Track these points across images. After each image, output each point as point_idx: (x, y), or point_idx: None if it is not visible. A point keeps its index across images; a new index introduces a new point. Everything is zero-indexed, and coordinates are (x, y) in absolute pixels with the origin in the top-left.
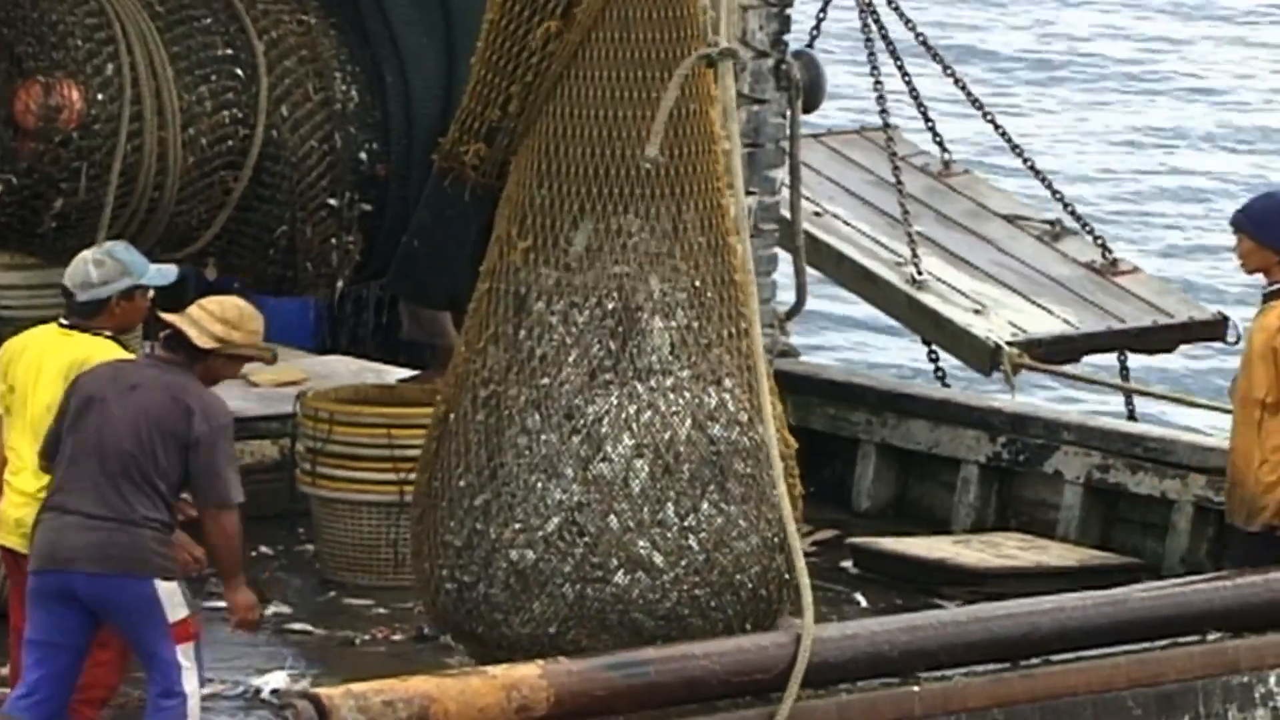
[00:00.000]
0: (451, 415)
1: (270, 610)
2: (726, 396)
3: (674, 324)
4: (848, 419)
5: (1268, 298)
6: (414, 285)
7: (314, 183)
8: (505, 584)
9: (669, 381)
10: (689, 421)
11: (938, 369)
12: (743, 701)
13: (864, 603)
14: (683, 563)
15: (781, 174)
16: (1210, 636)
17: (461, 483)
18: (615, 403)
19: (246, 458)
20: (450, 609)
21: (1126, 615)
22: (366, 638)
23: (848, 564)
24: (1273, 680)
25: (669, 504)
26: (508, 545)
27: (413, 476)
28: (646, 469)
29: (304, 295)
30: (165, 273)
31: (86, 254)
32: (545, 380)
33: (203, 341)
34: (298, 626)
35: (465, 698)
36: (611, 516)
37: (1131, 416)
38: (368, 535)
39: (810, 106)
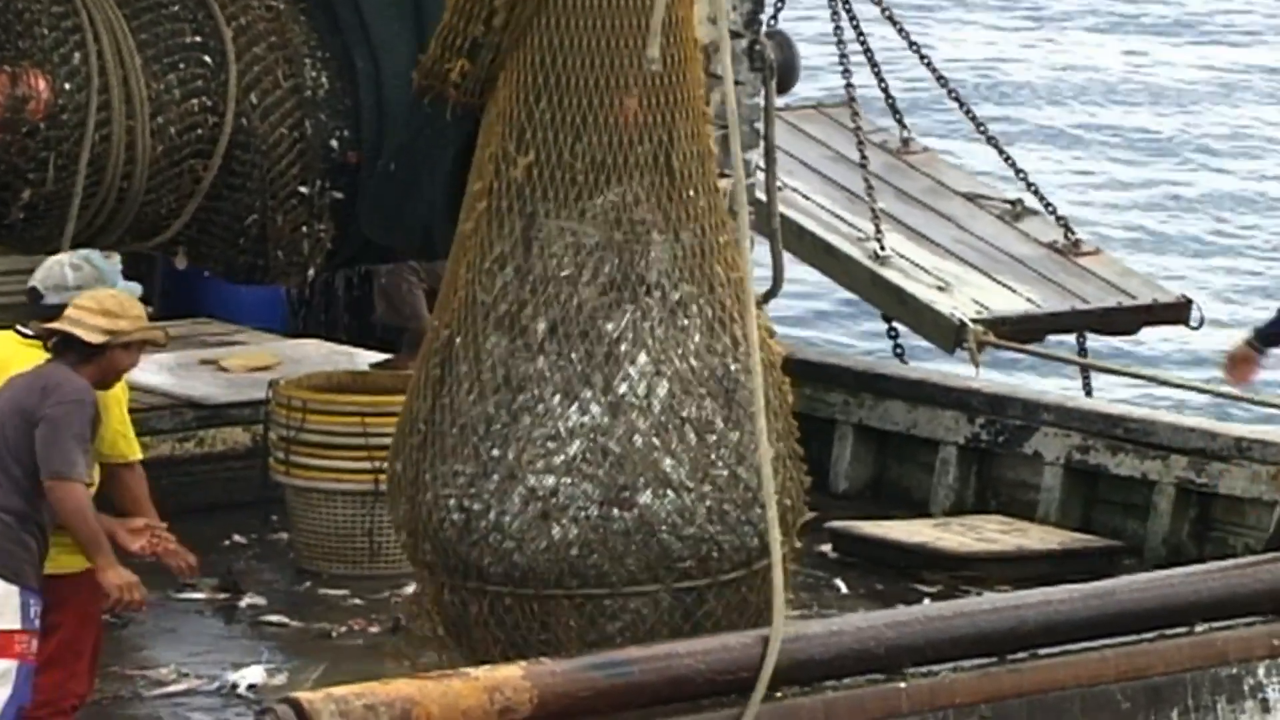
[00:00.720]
0: (458, 339)
1: (245, 602)
2: (724, 314)
3: (674, 238)
4: (824, 400)
5: None
6: (386, 218)
7: (284, 170)
8: (522, 510)
9: (676, 296)
10: (698, 337)
11: (897, 346)
12: (727, 700)
13: (844, 588)
14: (708, 480)
15: (756, 156)
16: (1198, 628)
17: (475, 409)
18: (630, 320)
19: (218, 445)
20: (454, 541)
21: (1114, 607)
22: (343, 630)
23: (826, 548)
24: (1261, 672)
25: (689, 422)
26: (526, 470)
27: (387, 466)
28: (665, 386)
29: (275, 284)
30: (132, 288)
31: (63, 257)
32: (562, 299)
33: (94, 338)
34: (273, 619)
35: (448, 700)
36: (636, 436)
37: (1088, 395)
38: (343, 524)
39: (785, 87)
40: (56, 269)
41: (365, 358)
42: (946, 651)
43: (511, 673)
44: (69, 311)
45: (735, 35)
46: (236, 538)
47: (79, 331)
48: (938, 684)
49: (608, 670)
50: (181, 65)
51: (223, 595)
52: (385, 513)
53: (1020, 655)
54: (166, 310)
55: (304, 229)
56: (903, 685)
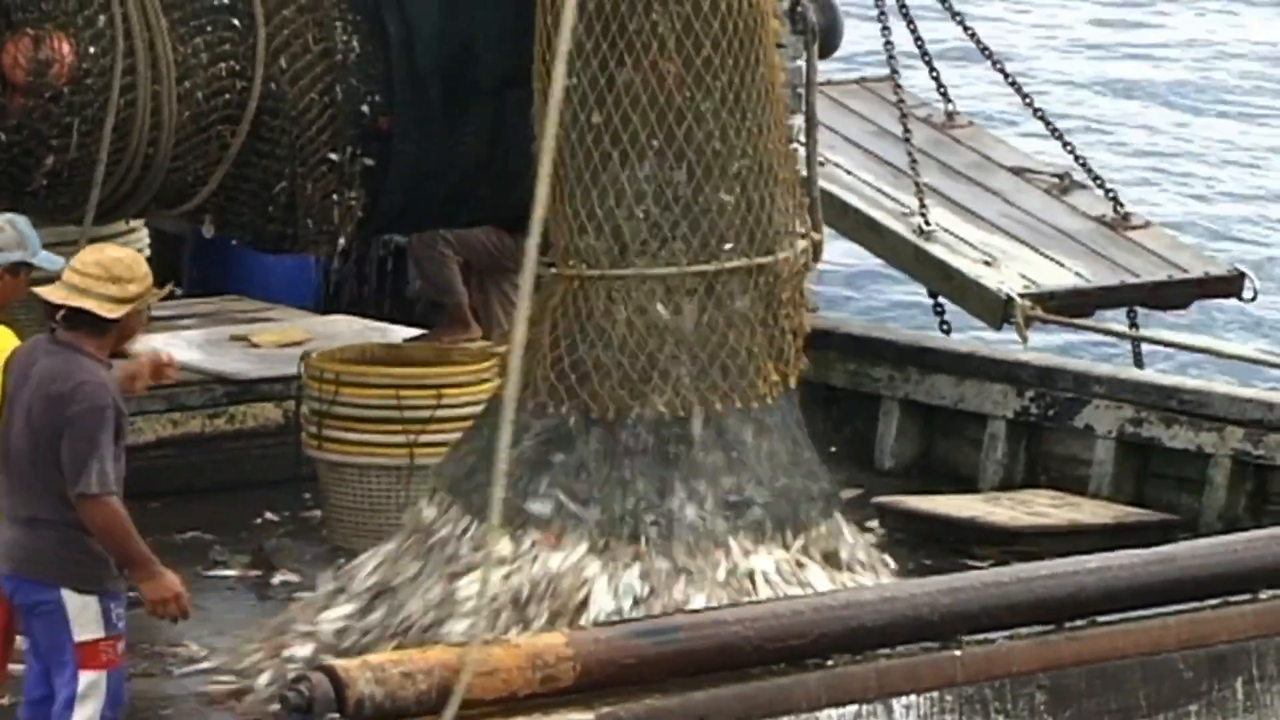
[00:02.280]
0: None
1: (277, 579)
2: None
3: None
4: (869, 374)
5: None
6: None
7: (314, 137)
8: None
9: None
10: None
11: (943, 323)
12: (777, 669)
13: (892, 564)
14: None
15: (798, 122)
16: (1263, 595)
17: None
18: None
19: (250, 421)
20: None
21: (1176, 573)
22: None
23: (874, 524)
24: None
25: None
26: None
27: (423, 438)
28: None
29: (304, 253)
30: (55, 260)
31: None
32: None
33: (111, 311)
34: (307, 595)
35: (487, 668)
36: None
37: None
38: (377, 499)
39: (827, 51)
40: None
41: (399, 334)
42: (1003, 618)
43: (554, 640)
44: (74, 279)
45: None
46: (269, 515)
47: (91, 305)
48: (994, 652)
49: (654, 637)
50: (209, 28)
51: (255, 573)
52: (421, 487)
53: (1078, 623)
54: (195, 288)
55: (334, 197)
56: (958, 653)
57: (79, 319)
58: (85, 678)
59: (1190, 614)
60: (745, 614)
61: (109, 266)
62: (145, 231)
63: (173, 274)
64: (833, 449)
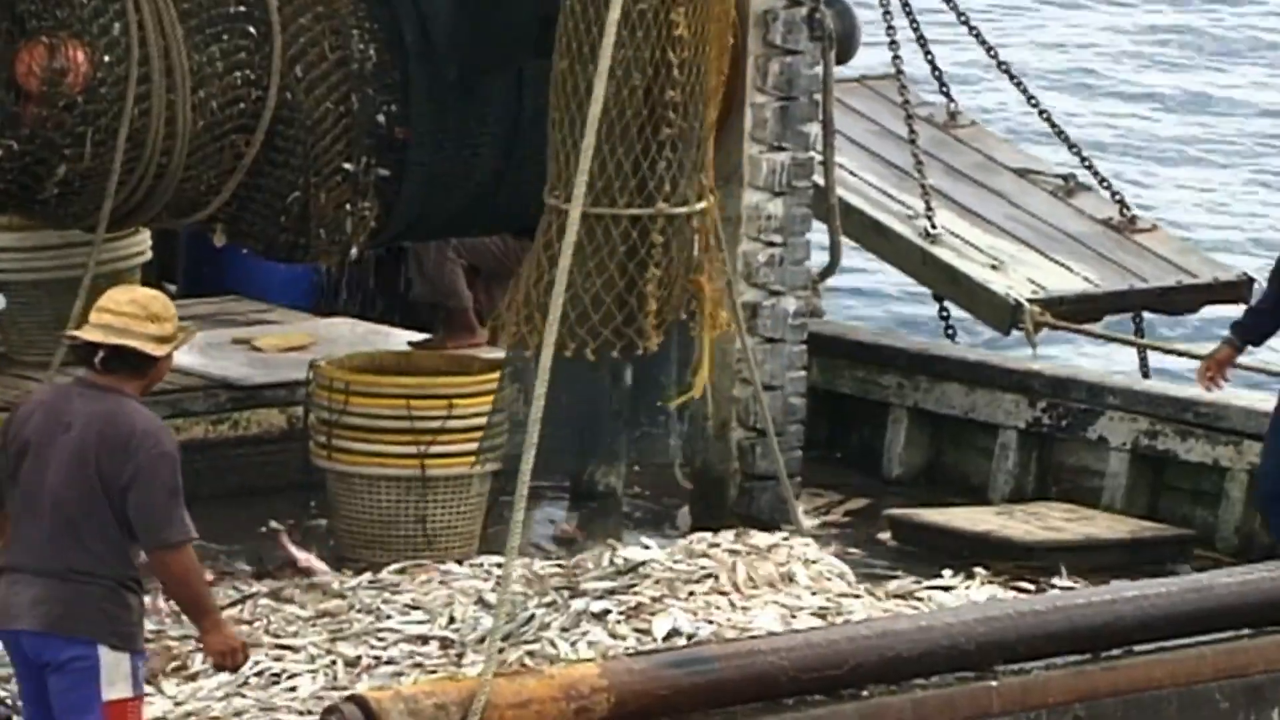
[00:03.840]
0: None
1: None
2: None
3: None
4: (877, 382)
5: None
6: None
7: (329, 147)
8: None
9: None
10: None
11: (949, 328)
12: (812, 700)
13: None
14: None
15: (815, 129)
16: None
17: None
18: None
19: (254, 427)
20: None
21: (1212, 603)
22: None
23: (884, 536)
24: None
25: None
26: None
27: (434, 450)
28: None
29: (315, 262)
30: None
31: None
32: None
33: (157, 349)
34: None
35: (520, 699)
36: None
37: (1145, 376)
38: (387, 510)
39: (844, 57)
40: None
41: (401, 336)
42: (1039, 648)
43: (588, 670)
44: (110, 319)
45: (794, 3)
46: (273, 524)
47: (137, 344)
48: (1030, 682)
49: (689, 667)
50: (225, 36)
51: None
52: (435, 498)
53: (1115, 652)
54: (191, 289)
55: (347, 207)
56: (994, 684)
57: (119, 360)
58: None
59: (1227, 644)
60: (781, 644)
61: (146, 304)
62: (148, 233)
63: (168, 272)
64: (839, 456)
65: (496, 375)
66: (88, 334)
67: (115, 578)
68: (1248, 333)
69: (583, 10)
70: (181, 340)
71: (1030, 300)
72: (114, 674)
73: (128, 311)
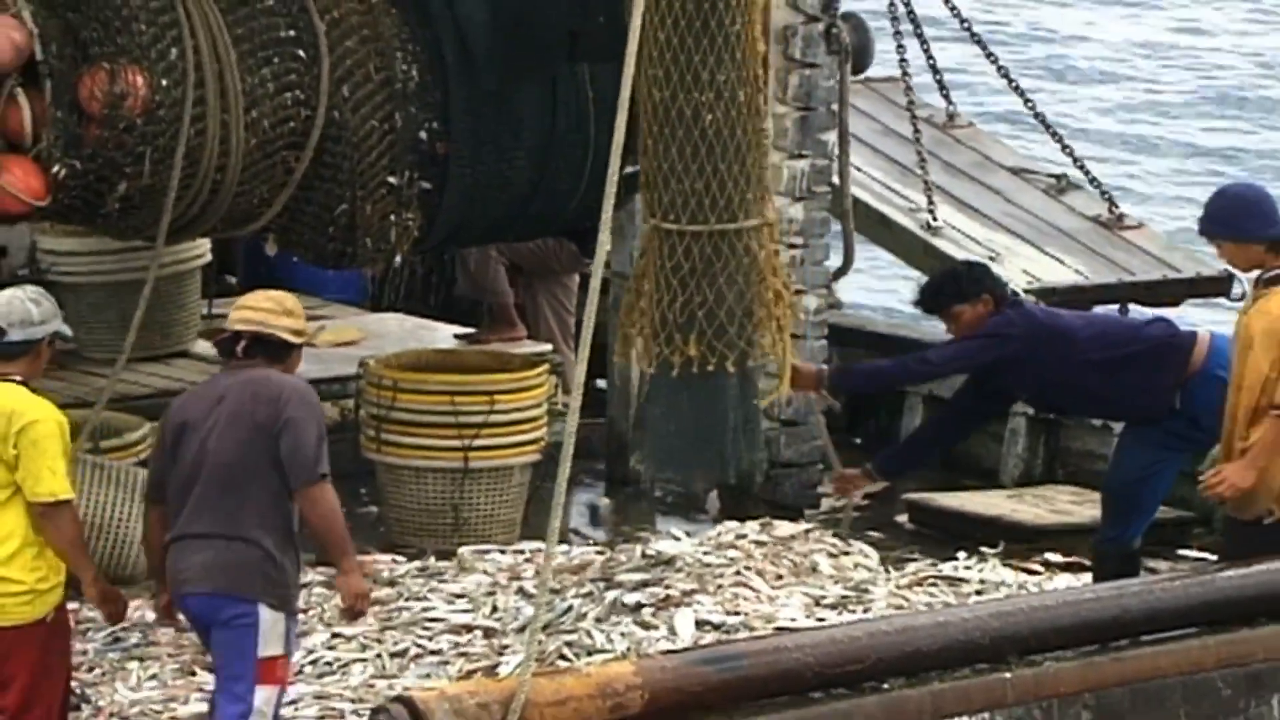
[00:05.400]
0: None
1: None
2: None
3: None
4: None
5: (1268, 283)
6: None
7: (374, 162)
8: None
9: None
10: None
11: None
12: (836, 694)
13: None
14: None
15: (832, 138)
16: None
17: None
18: None
19: None
20: None
21: (1215, 595)
22: None
23: (902, 519)
24: None
25: None
26: None
27: (476, 443)
28: None
29: (361, 268)
30: (65, 329)
31: (19, 293)
32: None
33: (293, 337)
34: None
35: (559, 697)
36: None
37: None
38: (432, 500)
39: (858, 69)
40: (19, 305)
41: (447, 331)
42: (1050, 641)
43: (623, 669)
44: (250, 315)
45: (812, 19)
46: None
47: (274, 332)
48: (1042, 674)
49: (719, 664)
50: (276, 59)
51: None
52: (472, 488)
53: (1122, 643)
54: (248, 284)
55: (392, 217)
56: (1008, 675)
57: (260, 347)
58: (262, 693)
59: (1229, 634)
60: (805, 640)
61: (280, 300)
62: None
63: (227, 266)
64: (858, 441)
65: (536, 371)
66: (233, 323)
67: (275, 543)
68: (886, 465)
69: (680, 40)
70: (311, 336)
71: (1025, 290)
72: (271, 633)
73: (265, 307)
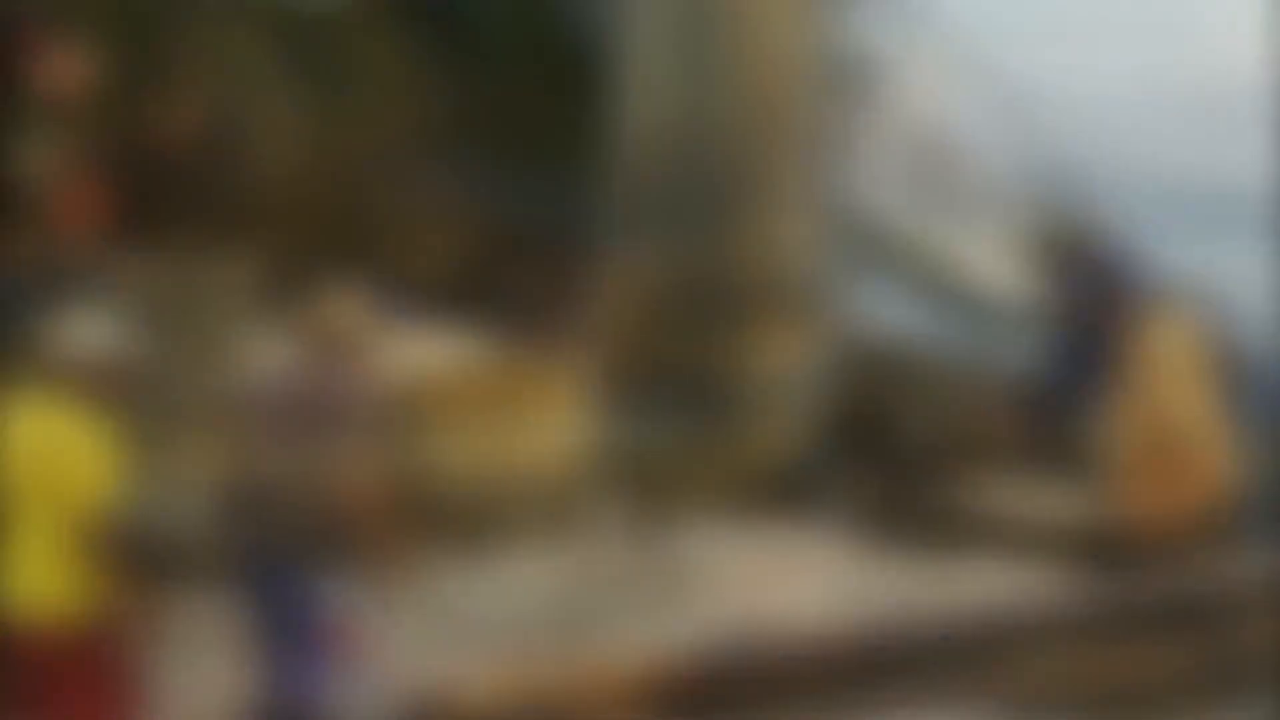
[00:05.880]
0: None
1: None
2: None
3: None
4: None
5: None
6: None
7: None
8: None
9: None
10: None
11: None
12: (850, 684)
13: None
14: None
15: None
16: None
17: None
18: None
19: None
20: None
21: None
22: None
23: (911, 513)
24: None
25: None
26: None
27: None
28: None
29: None
30: None
31: None
32: None
33: None
34: None
35: (594, 685)
36: None
37: None
38: None
39: None
40: None
41: None
42: (1051, 636)
43: (652, 660)
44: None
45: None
46: None
47: None
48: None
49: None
50: None
51: None
52: None
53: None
54: None
55: None
56: (1008, 668)
57: None
58: None
59: None
60: (821, 634)
61: None
62: None
63: None
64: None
65: None
66: None
67: None
68: None
69: None
70: None
71: None
72: None
73: None
